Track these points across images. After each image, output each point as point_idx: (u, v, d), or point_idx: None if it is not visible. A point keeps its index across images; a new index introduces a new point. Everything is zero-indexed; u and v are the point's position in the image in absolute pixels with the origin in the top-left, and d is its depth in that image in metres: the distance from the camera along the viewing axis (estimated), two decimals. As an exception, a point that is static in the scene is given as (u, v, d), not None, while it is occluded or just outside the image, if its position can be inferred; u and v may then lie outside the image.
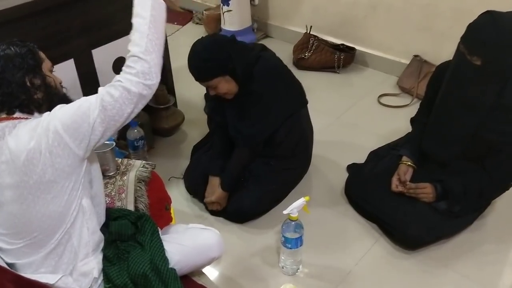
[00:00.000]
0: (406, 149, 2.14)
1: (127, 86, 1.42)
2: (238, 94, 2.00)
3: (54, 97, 1.51)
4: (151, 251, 1.63)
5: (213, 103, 2.16)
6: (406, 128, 2.31)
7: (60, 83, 1.58)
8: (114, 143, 1.86)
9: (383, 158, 2.27)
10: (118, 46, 2.29)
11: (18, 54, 1.44)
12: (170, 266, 1.64)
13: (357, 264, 1.98)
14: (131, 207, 1.79)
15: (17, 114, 1.44)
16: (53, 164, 1.39)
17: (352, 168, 2.38)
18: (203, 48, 1.94)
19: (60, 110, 1.43)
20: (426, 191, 2.01)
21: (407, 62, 3.04)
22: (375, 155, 2.35)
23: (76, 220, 1.51)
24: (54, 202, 1.44)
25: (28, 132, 1.40)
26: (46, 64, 1.52)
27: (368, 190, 2.15)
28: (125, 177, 1.85)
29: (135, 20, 1.52)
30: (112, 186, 1.82)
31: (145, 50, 1.46)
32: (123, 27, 2.25)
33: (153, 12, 1.50)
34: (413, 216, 1.99)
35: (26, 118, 1.45)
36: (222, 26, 3.55)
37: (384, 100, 2.97)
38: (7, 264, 1.49)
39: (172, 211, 1.96)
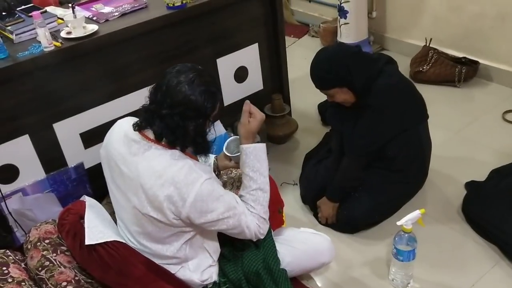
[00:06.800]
0: (534, 168, 2.00)
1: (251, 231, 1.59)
2: (356, 104, 2.02)
3: (199, 146, 1.56)
4: (264, 250, 1.70)
5: (332, 109, 2.19)
6: (535, 146, 2.16)
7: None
8: None
9: (507, 177, 2.13)
10: (240, 56, 2.42)
11: (202, 106, 1.46)
12: (282, 266, 1.69)
13: (473, 286, 1.87)
14: (247, 207, 1.88)
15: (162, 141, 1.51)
16: (157, 224, 1.51)
17: (471, 186, 2.27)
18: (324, 59, 1.99)
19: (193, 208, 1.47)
20: (556, 214, 1.86)
21: (538, 77, 2.84)
22: (498, 173, 2.22)
23: (192, 246, 1.62)
24: (162, 231, 1.55)
25: (156, 179, 1.45)
26: (217, 109, 1.55)
27: (489, 209, 2.03)
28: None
29: (256, 176, 1.62)
30: (231, 186, 1.92)
31: (266, 212, 1.63)
32: (245, 38, 2.41)
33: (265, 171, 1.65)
34: (540, 240, 1.85)
35: (163, 147, 1.50)
36: (338, 39, 3.58)
37: (509, 116, 2.79)
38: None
39: (283, 214, 2.02)
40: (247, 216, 1.56)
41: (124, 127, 1.58)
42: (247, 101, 1.69)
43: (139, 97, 2.09)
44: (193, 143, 1.54)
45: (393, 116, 2.01)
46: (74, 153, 2.03)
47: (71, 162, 2.03)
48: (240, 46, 2.41)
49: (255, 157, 1.62)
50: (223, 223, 1.51)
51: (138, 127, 1.52)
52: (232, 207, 1.52)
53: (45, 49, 1.81)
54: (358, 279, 1.95)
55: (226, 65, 2.39)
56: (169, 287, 1.54)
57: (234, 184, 1.92)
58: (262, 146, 1.65)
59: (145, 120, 1.51)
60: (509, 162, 2.28)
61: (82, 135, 2.02)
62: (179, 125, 1.46)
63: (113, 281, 1.51)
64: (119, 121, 1.66)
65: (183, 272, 1.63)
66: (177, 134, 1.48)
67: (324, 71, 1.96)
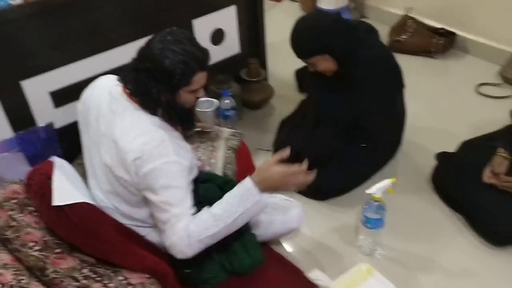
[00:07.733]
0: (503, 141, 2.03)
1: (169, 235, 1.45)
2: (336, 73, 2.00)
3: (173, 115, 1.52)
4: (234, 215, 1.69)
5: (311, 77, 2.17)
6: (505, 120, 2.19)
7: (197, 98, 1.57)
8: (218, 103, 1.77)
9: (477, 149, 2.17)
10: (216, 18, 2.36)
11: (168, 70, 1.41)
12: (251, 231, 1.70)
13: (438, 253, 1.93)
14: (219, 172, 1.87)
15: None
16: (126, 187, 1.50)
17: (442, 156, 2.29)
18: (304, 27, 1.95)
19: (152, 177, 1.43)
20: (521, 186, 1.91)
21: (514, 51, 2.86)
22: (469, 145, 2.25)
23: None
24: (131, 195, 1.54)
25: (132, 137, 1.44)
26: (194, 85, 1.48)
27: (458, 180, 2.07)
28: (215, 143, 1.93)
29: (222, 206, 1.47)
30: (203, 150, 1.91)
31: (199, 240, 1.44)
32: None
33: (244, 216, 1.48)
34: (505, 211, 1.89)
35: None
36: (318, 4, 3.53)
37: (483, 89, 2.82)
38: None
39: (256, 180, 2.02)
40: (178, 223, 1.43)
41: (109, 84, 1.55)
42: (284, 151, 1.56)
43: (112, 56, 2.04)
44: (165, 110, 1.49)
45: (373, 89, 2.00)
46: (43, 112, 1.97)
47: (41, 122, 1.98)
48: (217, 7, 2.35)
49: (238, 194, 1.48)
50: (158, 211, 1.45)
51: (120, 82, 1.52)
52: (172, 204, 1.43)
53: (11, 2, 1.73)
54: (327, 245, 1.99)
55: (202, 26, 2.33)
56: (138, 249, 1.53)
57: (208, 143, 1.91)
58: (258, 200, 1.48)
59: (123, 74, 1.50)
60: (480, 134, 2.31)
61: (53, 93, 1.97)
62: (144, 83, 1.44)
63: (81, 242, 1.50)
64: (102, 76, 1.63)
65: (152, 235, 1.64)
66: (142, 93, 1.45)
67: (304, 39, 1.93)
